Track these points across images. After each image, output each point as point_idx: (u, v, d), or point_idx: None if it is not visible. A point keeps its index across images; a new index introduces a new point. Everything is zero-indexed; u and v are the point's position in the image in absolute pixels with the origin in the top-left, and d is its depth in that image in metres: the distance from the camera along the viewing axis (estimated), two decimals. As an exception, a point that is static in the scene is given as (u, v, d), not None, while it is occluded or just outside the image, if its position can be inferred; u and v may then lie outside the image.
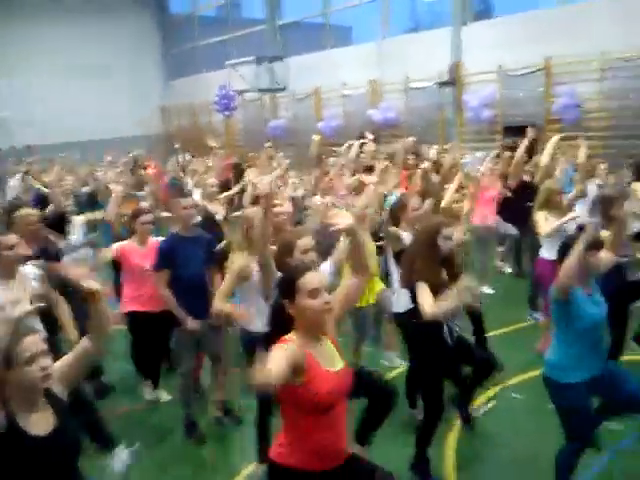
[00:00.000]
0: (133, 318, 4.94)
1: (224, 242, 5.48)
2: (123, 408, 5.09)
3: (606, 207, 4.70)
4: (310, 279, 2.46)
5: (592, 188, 6.68)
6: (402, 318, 4.32)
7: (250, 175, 7.54)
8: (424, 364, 3.99)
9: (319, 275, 2.54)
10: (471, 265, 7.06)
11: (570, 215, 5.13)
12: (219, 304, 4.02)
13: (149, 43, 24.28)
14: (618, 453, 4.04)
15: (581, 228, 3.69)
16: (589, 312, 3.34)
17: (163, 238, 4.75)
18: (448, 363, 3.96)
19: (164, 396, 5.17)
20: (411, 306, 3.81)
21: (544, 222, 5.30)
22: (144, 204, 6.16)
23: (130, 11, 23.29)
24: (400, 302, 4.38)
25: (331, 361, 2.53)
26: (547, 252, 5.25)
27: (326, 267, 3.89)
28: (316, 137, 9.36)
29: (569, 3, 11.61)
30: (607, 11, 10.47)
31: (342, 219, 2.61)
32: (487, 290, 7.34)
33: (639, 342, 5.07)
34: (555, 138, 6.70)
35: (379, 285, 5.22)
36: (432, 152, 7.98)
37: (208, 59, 21.17)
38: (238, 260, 4.11)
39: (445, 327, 3.86)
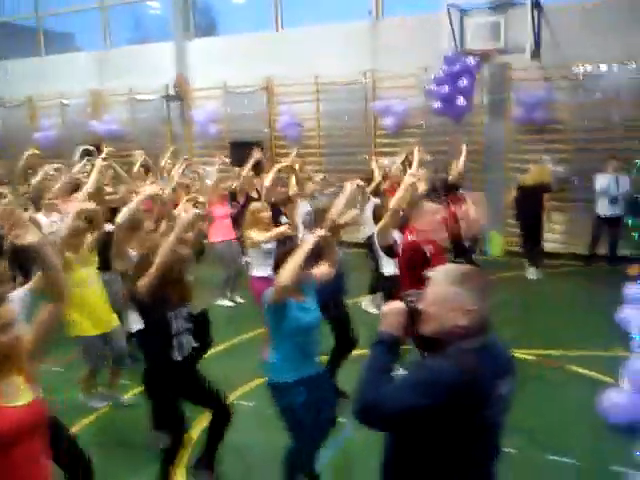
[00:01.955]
0: None
1: None
2: None
3: (319, 218, 5.01)
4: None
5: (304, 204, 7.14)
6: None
7: None
8: (152, 383, 3.82)
9: (8, 309, 2.27)
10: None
11: (277, 231, 5.41)
12: None
13: None
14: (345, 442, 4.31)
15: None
16: (300, 317, 3.52)
17: None
18: (179, 381, 3.82)
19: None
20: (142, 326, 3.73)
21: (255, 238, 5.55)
22: None
23: None
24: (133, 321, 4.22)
25: (15, 395, 2.24)
26: (256, 270, 5.57)
27: (20, 294, 3.46)
28: (30, 151, 8.45)
29: (288, 27, 12.39)
30: (323, 38, 11.39)
31: (29, 234, 2.28)
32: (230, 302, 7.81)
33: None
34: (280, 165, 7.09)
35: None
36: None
37: None
38: None
39: (175, 341, 3.74)
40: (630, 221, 8.98)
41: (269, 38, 12.34)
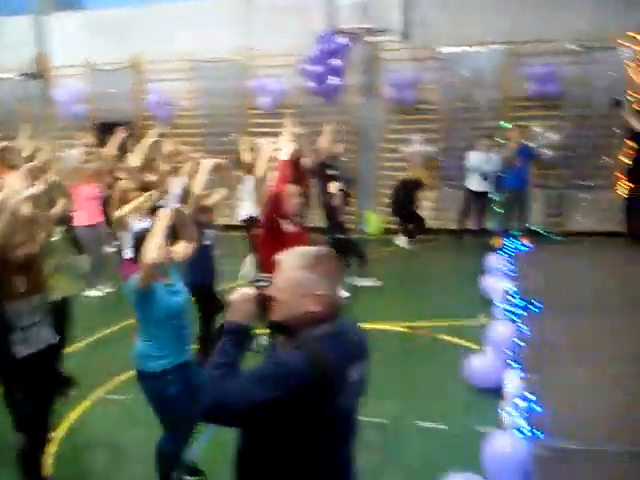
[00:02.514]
0: None
1: None
2: None
3: (186, 198, 4.83)
4: None
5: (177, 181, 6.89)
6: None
7: None
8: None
9: None
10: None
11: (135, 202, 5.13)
12: None
13: None
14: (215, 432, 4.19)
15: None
16: (168, 300, 3.39)
17: None
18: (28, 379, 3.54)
19: None
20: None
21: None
22: None
23: None
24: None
25: None
26: (127, 253, 5.25)
27: None
28: None
29: (157, 2, 11.81)
30: (195, 14, 11.00)
31: None
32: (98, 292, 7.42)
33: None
34: (146, 141, 6.69)
35: None
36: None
37: None
38: None
39: (20, 335, 3.45)
40: (495, 196, 9.47)
41: (137, 13, 11.73)
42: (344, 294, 7.23)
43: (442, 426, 4.42)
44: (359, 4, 9.35)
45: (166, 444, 3.55)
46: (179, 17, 11.13)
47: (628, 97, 8.86)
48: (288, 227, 4.36)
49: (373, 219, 10.68)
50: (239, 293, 2.03)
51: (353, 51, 9.97)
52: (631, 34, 9.01)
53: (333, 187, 7.27)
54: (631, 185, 8.40)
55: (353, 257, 7.51)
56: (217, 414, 1.92)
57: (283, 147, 4.68)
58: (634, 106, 8.58)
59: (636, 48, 9.06)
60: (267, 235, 4.38)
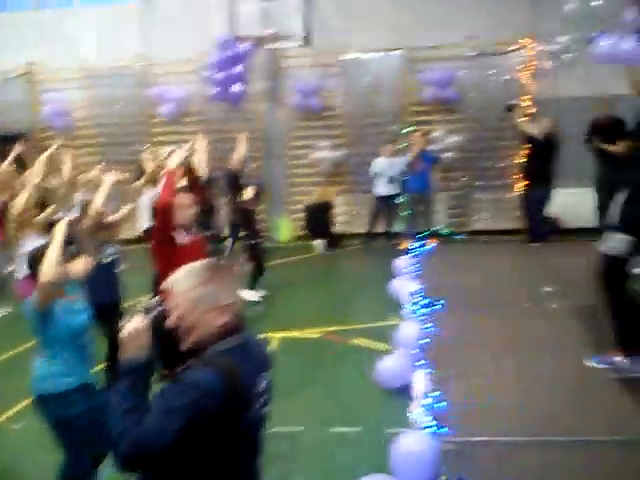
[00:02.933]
0: None
1: None
2: None
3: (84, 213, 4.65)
4: None
5: (78, 196, 6.62)
6: None
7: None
8: None
9: None
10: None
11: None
12: None
13: None
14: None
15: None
16: (69, 319, 3.28)
17: None
18: None
19: None
20: None
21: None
22: None
23: None
24: None
25: None
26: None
27: None
28: None
29: (49, 7, 11.30)
30: (89, 20, 10.64)
31: None
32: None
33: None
34: (45, 154, 6.39)
35: None
36: None
37: None
38: None
39: None
40: (402, 199, 9.69)
41: (29, 18, 11.15)
42: (256, 299, 7.16)
43: (354, 430, 4.44)
44: (260, 10, 9.33)
45: (68, 469, 3.40)
46: (76, 24, 10.70)
47: (520, 102, 9.29)
48: (182, 239, 4.24)
49: (284, 226, 10.66)
50: (129, 327, 1.90)
51: (256, 57, 9.92)
52: (523, 40, 9.48)
53: (248, 192, 7.22)
54: (526, 184, 8.81)
55: (255, 266, 7.40)
56: (140, 460, 1.80)
57: (174, 156, 4.55)
58: (526, 110, 9.00)
59: (528, 54, 9.54)
60: (160, 248, 4.25)
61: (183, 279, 1.95)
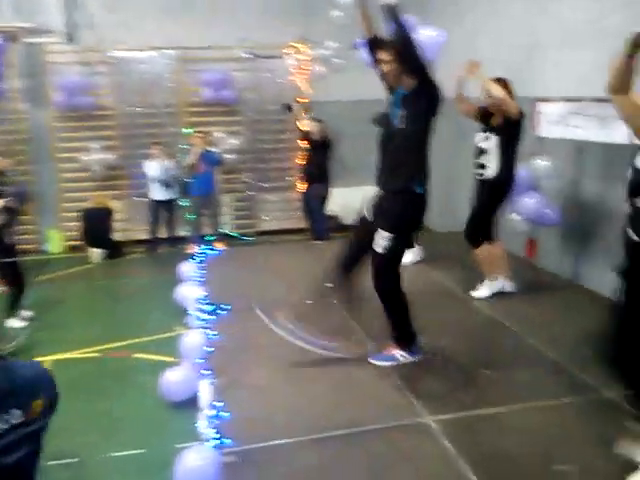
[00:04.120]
0: None
1: None
2: None
3: None
4: None
5: None
6: None
7: None
8: None
9: None
10: None
11: None
12: None
13: None
14: None
15: None
16: None
17: None
18: None
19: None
20: None
21: None
22: None
23: None
24: None
25: None
26: None
27: None
28: None
29: None
30: None
31: None
32: None
33: None
34: None
35: None
36: None
37: None
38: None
39: None
40: (183, 203, 9.40)
41: None
42: (22, 325, 6.42)
43: (139, 451, 4.13)
44: (10, 2, 8.38)
45: None
46: None
47: (296, 102, 9.54)
48: None
49: (56, 237, 9.76)
50: None
51: (13, 53, 8.92)
52: (292, 44, 9.73)
53: None
54: (305, 184, 9.07)
55: (12, 288, 6.53)
56: None
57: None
58: (301, 110, 9.25)
59: (298, 57, 9.82)
60: None
61: None
